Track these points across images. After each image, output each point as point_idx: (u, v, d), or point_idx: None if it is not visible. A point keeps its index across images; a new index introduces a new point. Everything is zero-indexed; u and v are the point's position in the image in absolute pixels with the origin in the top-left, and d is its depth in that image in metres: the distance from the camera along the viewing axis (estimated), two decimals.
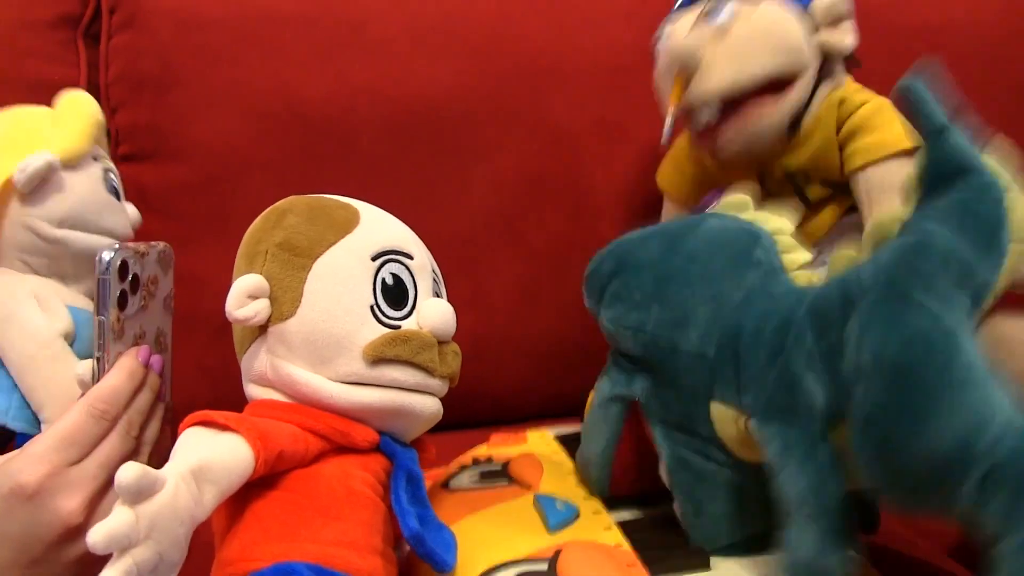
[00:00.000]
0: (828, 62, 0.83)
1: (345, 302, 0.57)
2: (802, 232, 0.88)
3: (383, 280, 0.58)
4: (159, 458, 0.56)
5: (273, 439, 0.52)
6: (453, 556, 0.55)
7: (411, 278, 0.60)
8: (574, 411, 0.86)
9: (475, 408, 0.95)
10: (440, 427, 0.94)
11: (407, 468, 0.58)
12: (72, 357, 0.66)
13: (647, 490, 0.63)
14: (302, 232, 0.58)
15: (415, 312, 0.59)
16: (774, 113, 0.80)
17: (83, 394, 0.55)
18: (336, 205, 0.60)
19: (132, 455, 0.54)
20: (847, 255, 0.57)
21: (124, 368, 0.55)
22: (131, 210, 0.78)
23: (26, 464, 0.50)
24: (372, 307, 0.57)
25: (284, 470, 0.53)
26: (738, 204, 0.66)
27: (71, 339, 0.67)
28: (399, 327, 0.58)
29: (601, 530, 0.59)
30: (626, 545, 0.57)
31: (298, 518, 0.52)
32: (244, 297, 0.56)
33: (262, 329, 0.57)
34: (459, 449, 0.76)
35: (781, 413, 0.52)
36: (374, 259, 0.58)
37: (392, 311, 0.58)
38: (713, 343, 0.57)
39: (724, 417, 0.56)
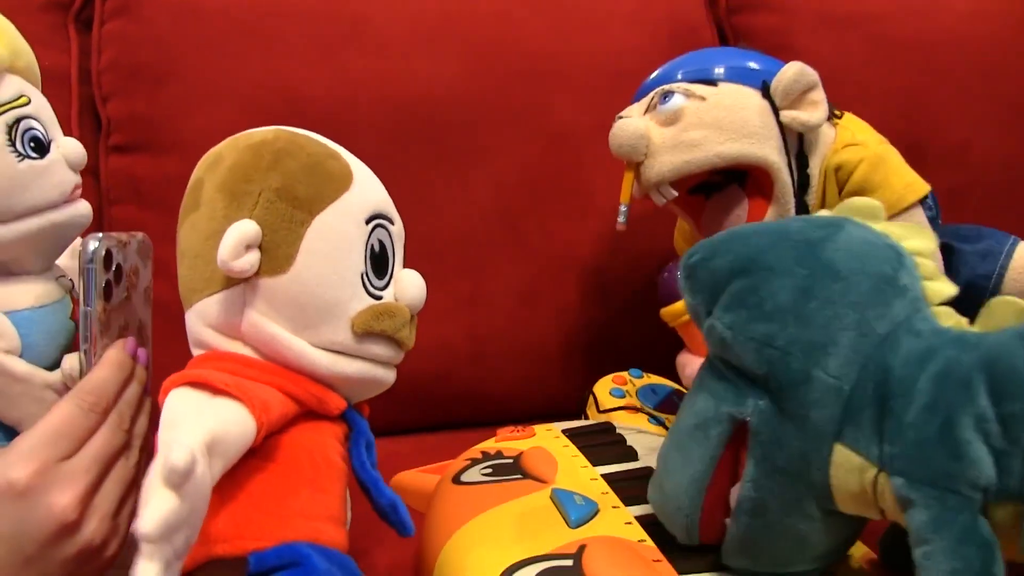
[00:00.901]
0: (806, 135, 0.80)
1: (340, 268, 0.54)
2: None
3: (372, 247, 0.56)
4: (147, 454, 0.53)
5: (271, 407, 0.50)
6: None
7: (391, 245, 0.58)
8: (574, 413, 0.85)
9: (474, 409, 0.94)
10: (439, 427, 0.94)
11: (366, 435, 0.57)
12: (36, 371, 0.62)
13: None
14: (302, 182, 0.54)
15: (392, 282, 0.58)
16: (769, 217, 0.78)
17: (68, 389, 0.53)
18: (328, 153, 0.57)
19: (123, 449, 0.51)
20: (1013, 303, 0.51)
21: (112, 360, 0.53)
22: (70, 147, 0.66)
23: (15, 460, 0.47)
24: (363, 275, 0.55)
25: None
26: (869, 210, 0.58)
27: (19, 351, 0.63)
28: (381, 298, 0.57)
29: (621, 525, 0.57)
30: (649, 541, 0.56)
31: (286, 491, 0.51)
32: (242, 247, 0.52)
33: (234, 278, 0.53)
34: (460, 450, 0.74)
35: (937, 478, 0.46)
36: (367, 223, 0.56)
37: (377, 280, 0.57)
38: (852, 378, 0.50)
39: (848, 465, 0.49)
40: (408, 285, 0.59)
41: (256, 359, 0.54)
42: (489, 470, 0.67)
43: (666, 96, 0.78)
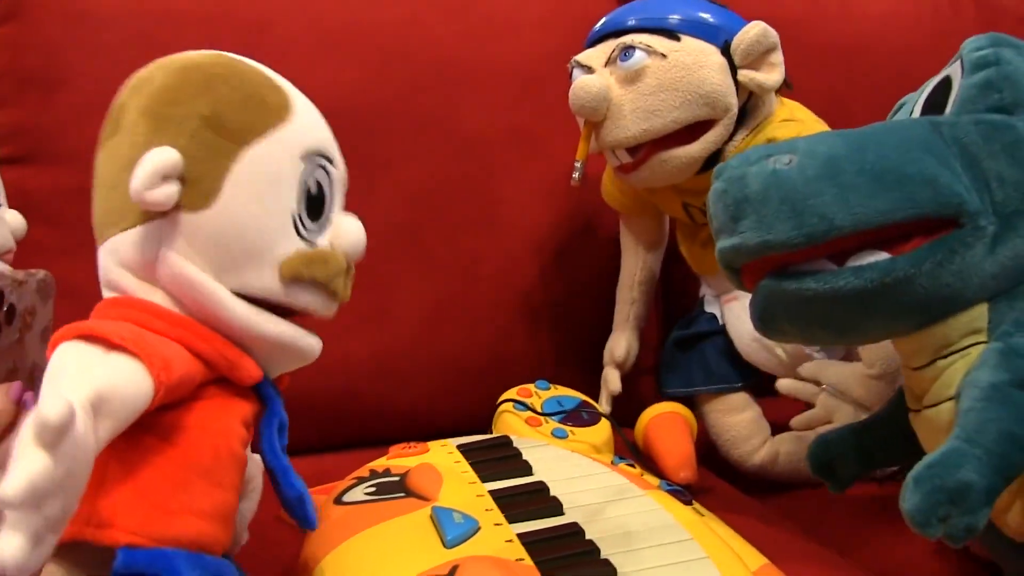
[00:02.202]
0: (755, 95, 0.81)
1: (269, 205, 0.50)
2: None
3: (308, 186, 0.52)
4: None
5: (172, 366, 0.45)
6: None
7: (330, 188, 0.54)
8: (481, 428, 0.83)
9: (379, 426, 0.91)
10: (342, 445, 0.91)
11: (280, 416, 0.53)
12: None
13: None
14: (233, 110, 0.49)
15: (329, 228, 0.54)
16: (686, 156, 0.79)
17: None
18: (266, 83, 0.52)
19: None
20: None
21: None
22: (12, 218, 0.69)
23: None
24: (294, 216, 0.51)
25: (162, 407, 0.45)
26: None
27: None
28: (314, 243, 0.52)
29: (502, 543, 0.55)
30: (528, 560, 0.53)
31: (180, 481, 0.46)
32: (158, 177, 0.46)
33: (152, 212, 0.48)
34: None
35: None
36: (303, 159, 0.52)
37: (310, 223, 0.52)
38: None
39: None
40: (346, 231, 0.55)
41: (166, 310, 0.49)
42: (372, 489, 0.64)
43: (627, 51, 0.78)
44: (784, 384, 0.82)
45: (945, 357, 0.53)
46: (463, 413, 0.90)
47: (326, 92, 0.91)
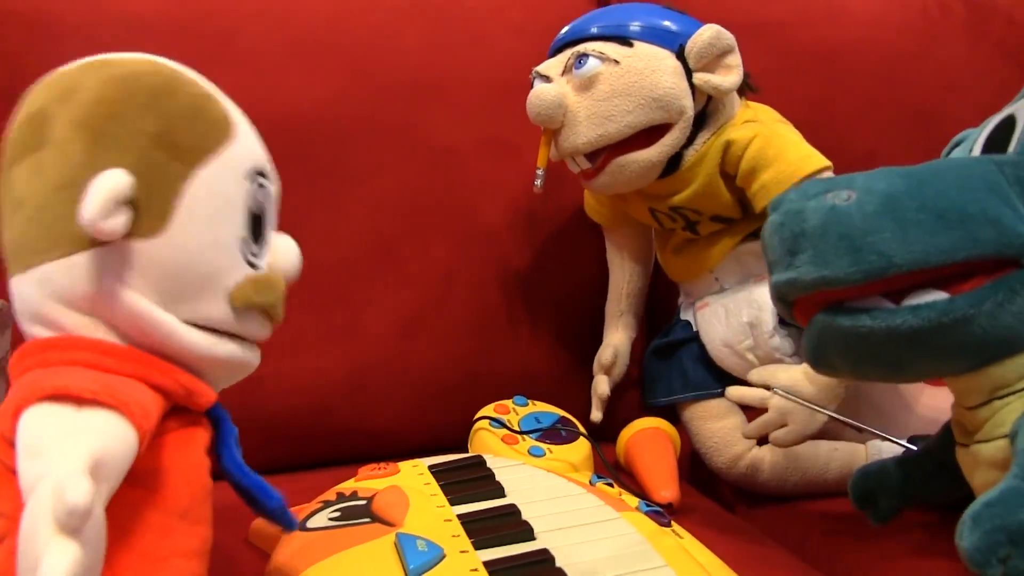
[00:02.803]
0: (715, 99, 0.81)
1: (221, 230, 0.47)
2: (697, 261, 0.86)
3: (250, 208, 0.49)
4: None
5: (149, 411, 0.42)
6: None
7: (268, 207, 0.51)
8: (457, 445, 0.80)
9: (353, 444, 0.89)
10: (316, 464, 0.89)
11: (233, 432, 0.51)
12: None
13: None
14: (184, 128, 0.46)
15: (267, 249, 0.51)
16: (644, 160, 0.79)
17: None
18: (207, 95, 0.48)
19: None
20: None
21: None
22: None
23: None
24: (242, 240, 0.48)
25: None
26: None
27: None
28: (260, 267, 0.50)
29: (466, 572, 0.52)
30: None
31: (162, 528, 0.44)
32: (112, 203, 0.42)
33: (95, 240, 0.43)
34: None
35: None
36: (247, 178, 0.48)
37: (254, 247, 0.49)
38: None
39: None
40: (285, 252, 0.52)
41: (116, 346, 0.45)
42: (337, 514, 0.61)
43: (581, 59, 0.79)
44: (733, 392, 0.80)
45: (1001, 397, 0.53)
46: (439, 430, 0.88)
47: (296, 103, 0.91)
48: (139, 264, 0.44)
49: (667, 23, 0.81)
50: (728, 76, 0.79)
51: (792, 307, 0.56)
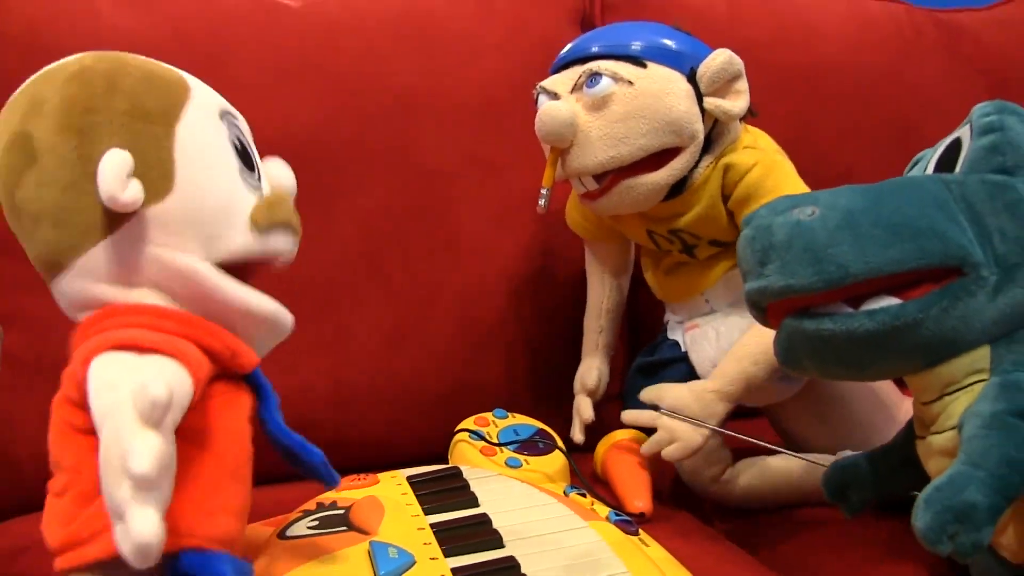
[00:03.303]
0: (720, 122, 0.81)
1: (220, 170, 0.52)
2: (689, 284, 0.87)
3: (235, 144, 0.54)
4: None
5: (200, 364, 0.46)
6: None
7: (248, 140, 0.56)
8: (439, 457, 0.82)
9: (337, 456, 0.89)
10: (298, 476, 0.90)
11: (275, 398, 0.55)
12: None
13: None
14: (148, 96, 0.50)
15: (263, 175, 0.56)
16: (652, 183, 0.79)
17: None
18: (154, 64, 0.54)
19: None
20: None
21: None
22: None
23: None
24: (240, 172, 0.53)
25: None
26: None
27: None
28: (263, 191, 0.55)
29: None
30: None
31: (215, 483, 0.47)
32: (124, 177, 0.47)
33: (119, 218, 0.48)
34: None
35: None
36: (221, 119, 0.53)
37: (250, 176, 0.54)
38: None
39: None
40: (279, 172, 0.58)
41: (171, 310, 0.49)
42: (316, 523, 0.63)
43: (594, 77, 0.78)
44: (626, 415, 0.83)
45: (951, 393, 0.57)
46: (422, 442, 0.90)
47: (285, 124, 0.93)
48: (163, 223, 0.49)
49: (673, 43, 0.80)
50: (737, 101, 0.79)
51: (764, 312, 0.60)
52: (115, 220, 0.48)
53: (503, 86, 0.94)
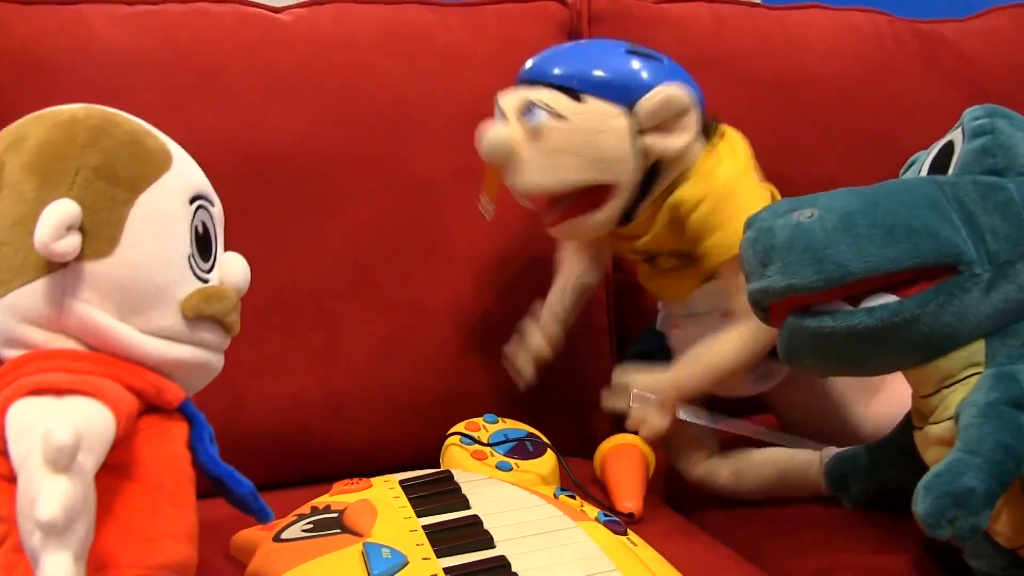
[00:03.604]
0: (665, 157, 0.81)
1: (168, 249, 0.53)
2: (669, 290, 0.90)
3: (196, 228, 0.55)
4: None
5: (122, 398, 0.47)
6: None
7: (213, 227, 0.57)
8: (431, 462, 0.83)
9: (330, 463, 0.92)
10: (294, 482, 0.92)
11: (208, 428, 0.56)
12: None
13: None
14: (122, 160, 0.52)
15: (216, 267, 0.57)
16: (595, 223, 0.81)
17: None
18: (144, 131, 0.55)
19: None
20: None
21: None
22: None
23: None
24: (189, 257, 0.54)
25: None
26: None
27: None
28: (208, 281, 0.55)
29: None
30: None
31: (151, 511, 0.49)
32: (63, 228, 0.48)
33: (53, 264, 0.50)
34: None
35: None
36: (191, 203, 0.55)
37: (203, 263, 0.55)
38: None
39: None
40: (233, 268, 0.58)
41: (87, 352, 0.51)
42: (310, 526, 0.64)
43: (530, 109, 0.79)
44: (607, 402, 0.86)
45: (949, 386, 0.59)
46: (415, 448, 0.91)
47: (276, 135, 0.95)
48: (94, 282, 0.50)
49: (621, 76, 0.80)
50: (681, 136, 0.78)
51: (767, 311, 0.63)
52: (49, 265, 0.50)
53: (490, 100, 0.94)
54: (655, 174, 0.81)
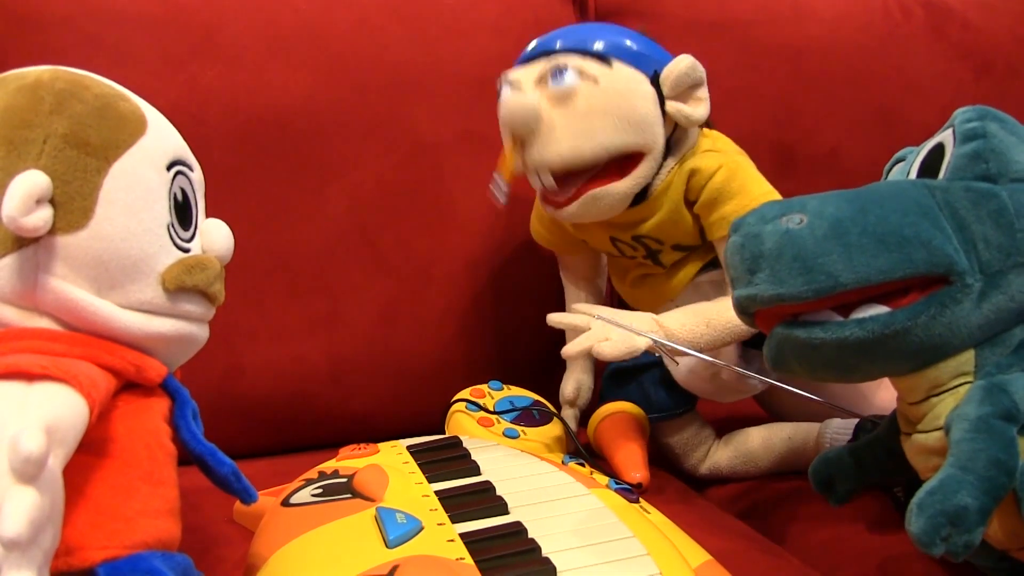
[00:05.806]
0: (680, 127, 0.81)
1: (145, 219, 0.50)
2: (656, 293, 0.88)
3: (175, 196, 0.52)
4: None
5: (97, 383, 0.45)
6: None
7: (193, 194, 0.55)
8: (435, 429, 0.83)
9: (335, 430, 0.91)
10: (296, 448, 0.91)
11: (191, 404, 0.54)
12: None
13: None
14: (93, 126, 0.49)
15: (198, 235, 0.55)
16: (617, 193, 0.79)
17: None
18: (117, 95, 0.52)
19: None
20: None
21: None
22: None
23: None
24: (168, 227, 0.51)
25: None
26: None
27: None
28: (189, 251, 0.53)
29: (443, 543, 0.55)
30: (469, 559, 0.53)
31: (126, 489, 0.46)
32: (32, 201, 0.45)
33: (23, 239, 0.47)
34: None
35: None
36: (168, 169, 0.52)
37: (183, 232, 0.53)
38: None
39: None
40: (216, 236, 0.55)
41: (61, 332, 0.48)
42: (320, 491, 0.64)
43: (559, 71, 0.77)
44: (553, 317, 0.80)
45: (937, 395, 0.58)
46: (417, 414, 0.91)
47: (278, 97, 0.93)
48: (68, 257, 0.47)
49: (641, 46, 0.80)
50: (698, 107, 0.78)
51: (753, 317, 0.61)
52: (20, 240, 0.47)
53: (495, 64, 0.93)
54: (667, 150, 0.81)
